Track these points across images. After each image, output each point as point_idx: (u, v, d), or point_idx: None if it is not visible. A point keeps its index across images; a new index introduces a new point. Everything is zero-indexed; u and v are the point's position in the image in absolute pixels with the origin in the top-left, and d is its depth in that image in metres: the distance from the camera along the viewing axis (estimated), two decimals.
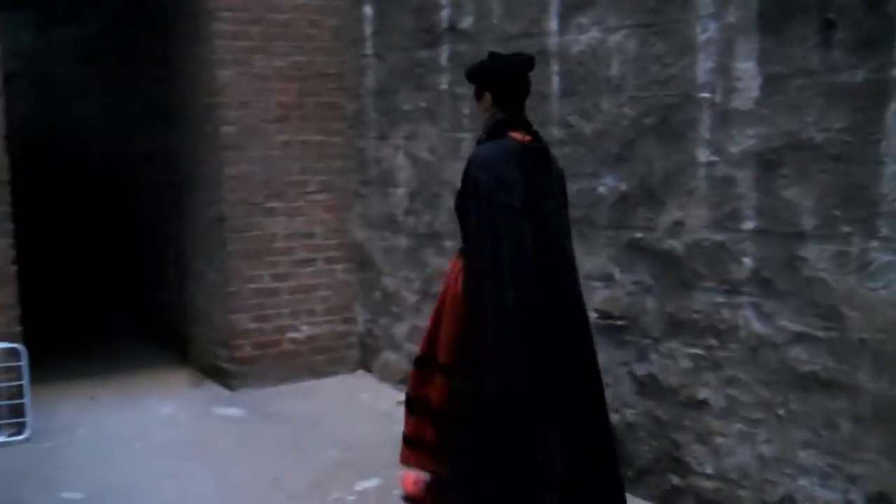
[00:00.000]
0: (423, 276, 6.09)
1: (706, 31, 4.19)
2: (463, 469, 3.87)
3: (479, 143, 4.09)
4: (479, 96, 4.09)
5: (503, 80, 4.02)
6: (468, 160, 3.95)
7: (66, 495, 4.82)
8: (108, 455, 5.35)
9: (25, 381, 5.60)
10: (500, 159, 3.88)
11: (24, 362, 5.58)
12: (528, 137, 4.01)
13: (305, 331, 6.64)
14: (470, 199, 3.87)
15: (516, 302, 3.77)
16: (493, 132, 4.01)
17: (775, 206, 3.97)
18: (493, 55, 4.25)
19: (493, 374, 3.78)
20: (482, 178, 3.83)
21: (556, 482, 3.81)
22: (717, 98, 4.16)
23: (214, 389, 6.56)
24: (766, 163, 3.99)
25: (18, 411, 5.61)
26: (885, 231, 3.60)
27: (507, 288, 3.77)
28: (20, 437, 5.55)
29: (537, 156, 3.99)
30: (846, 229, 3.73)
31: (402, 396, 6.24)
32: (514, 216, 3.79)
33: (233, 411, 6.01)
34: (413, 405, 4.57)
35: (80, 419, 5.92)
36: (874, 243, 3.65)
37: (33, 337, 5.78)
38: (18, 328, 5.68)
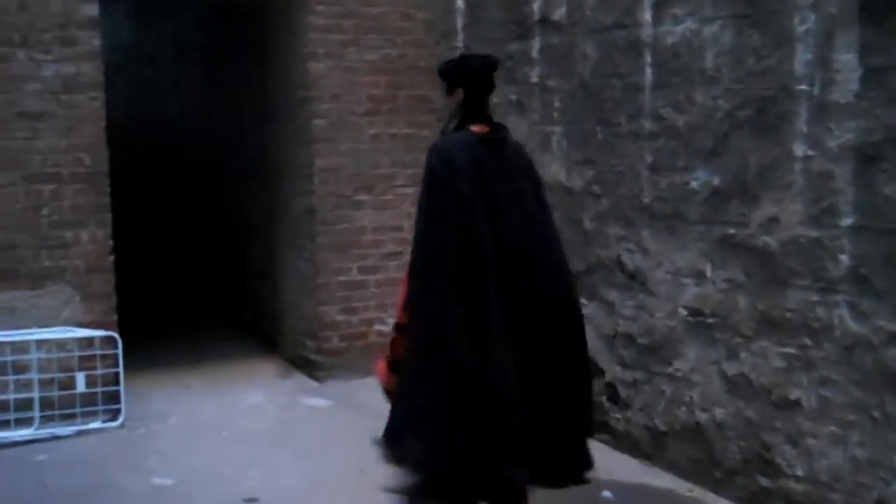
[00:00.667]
0: None
1: (805, 23, 4.08)
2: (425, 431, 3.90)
3: (442, 133, 4.22)
4: (451, 92, 4.16)
5: (475, 79, 4.15)
6: (428, 150, 4.07)
7: (156, 481, 4.90)
8: (198, 442, 5.43)
9: (121, 369, 5.72)
10: (455, 149, 3.97)
11: (119, 350, 5.70)
12: (486, 129, 4.09)
13: (392, 323, 6.63)
14: (424, 186, 3.97)
15: (463, 285, 3.85)
16: (458, 126, 4.13)
17: (874, 201, 3.85)
18: (463, 56, 4.67)
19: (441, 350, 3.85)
20: (437, 166, 3.93)
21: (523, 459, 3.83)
22: (816, 91, 4.05)
23: (302, 380, 6.62)
24: (866, 157, 3.87)
25: (113, 398, 5.73)
26: None
27: (455, 273, 3.86)
28: (115, 424, 5.68)
29: (492, 145, 4.06)
30: None
31: None
32: (466, 202, 3.88)
33: (320, 402, 6.05)
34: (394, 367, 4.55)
35: (171, 407, 6.03)
36: None
37: (128, 326, 5.91)
38: (114, 317, 5.82)
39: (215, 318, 8.40)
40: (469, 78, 4.17)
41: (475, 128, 4.09)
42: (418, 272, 3.98)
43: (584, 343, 4.12)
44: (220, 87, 8.18)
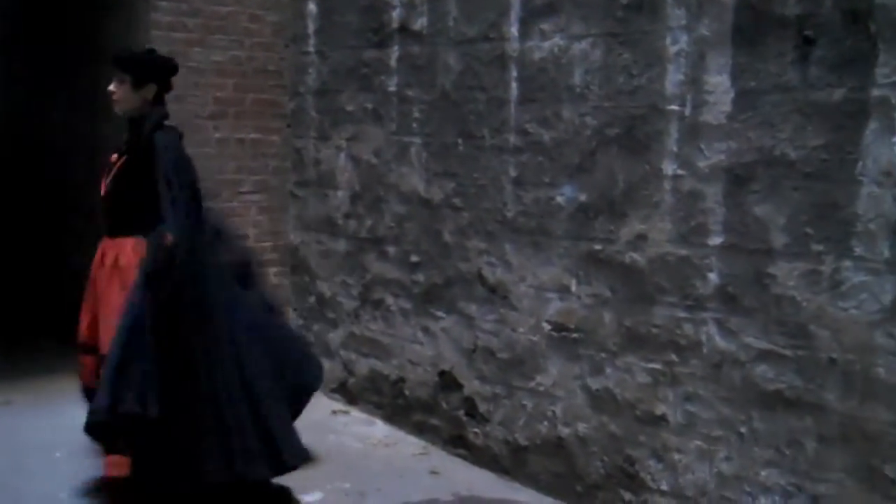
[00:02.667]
0: (362, 281, 5.93)
1: (677, 43, 4.14)
2: None
3: (154, 129, 4.30)
4: (139, 85, 4.31)
5: (169, 77, 4.46)
6: (162, 146, 4.22)
7: None
8: (27, 465, 5.07)
9: None
10: (182, 146, 4.36)
11: None
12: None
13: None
14: (172, 179, 4.15)
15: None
16: (162, 122, 4.36)
17: (744, 222, 3.94)
18: (151, 50, 4.72)
19: None
20: (183, 163, 4.26)
21: None
22: (687, 111, 4.12)
23: None
24: (736, 178, 3.96)
25: None
26: (859, 251, 3.59)
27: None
28: None
29: None
30: (818, 248, 3.71)
31: (335, 405, 6.15)
32: (197, 195, 4.30)
33: None
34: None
35: None
36: (847, 262, 3.63)
37: None
38: None
39: (50, 329, 7.90)
40: (166, 75, 4.47)
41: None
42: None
43: None
44: (53, 85, 7.72)
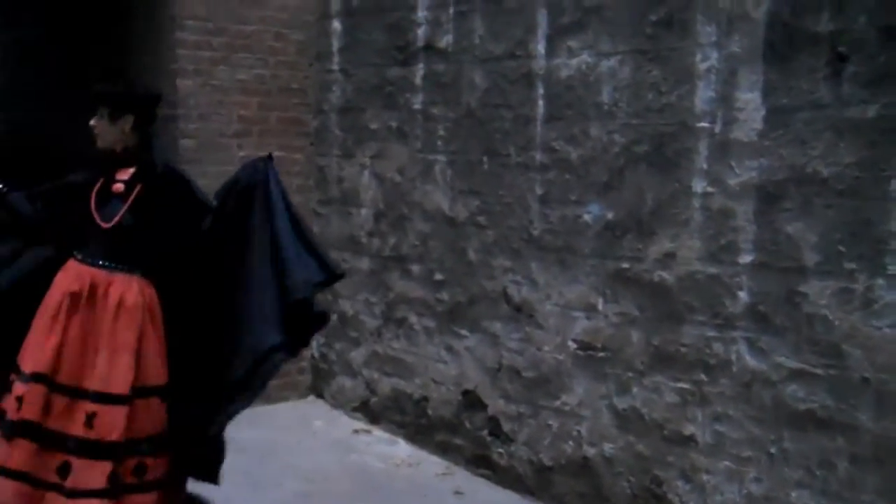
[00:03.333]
0: (385, 299, 5.91)
1: (707, 60, 4.13)
2: None
3: (151, 163, 4.14)
4: (114, 117, 4.08)
5: (148, 107, 4.24)
6: (187, 179, 4.20)
7: None
8: None
9: None
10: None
11: None
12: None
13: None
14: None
15: None
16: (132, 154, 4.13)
17: (775, 240, 3.91)
18: (131, 82, 4.55)
19: None
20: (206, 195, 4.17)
21: None
22: (717, 128, 4.10)
23: None
24: (767, 196, 3.93)
25: None
26: (892, 269, 3.56)
27: None
28: None
29: None
30: (851, 266, 3.68)
31: (357, 424, 6.12)
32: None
33: None
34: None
35: None
36: (880, 281, 3.60)
37: None
38: None
39: None
40: (149, 106, 4.23)
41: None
42: None
43: None
44: (78, 103, 7.73)
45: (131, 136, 4.10)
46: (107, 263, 3.99)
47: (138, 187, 4.08)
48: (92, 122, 4.13)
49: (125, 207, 4.02)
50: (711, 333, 4.15)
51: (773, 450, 3.95)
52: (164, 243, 4.04)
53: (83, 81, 7.53)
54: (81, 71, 7.62)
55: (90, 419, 3.76)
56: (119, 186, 4.08)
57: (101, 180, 4.09)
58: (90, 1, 7.27)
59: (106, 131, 4.11)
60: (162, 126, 6.00)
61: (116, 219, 4.02)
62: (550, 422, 4.88)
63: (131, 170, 4.13)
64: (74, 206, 4.06)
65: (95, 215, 4.01)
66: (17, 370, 3.89)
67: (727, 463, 4.12)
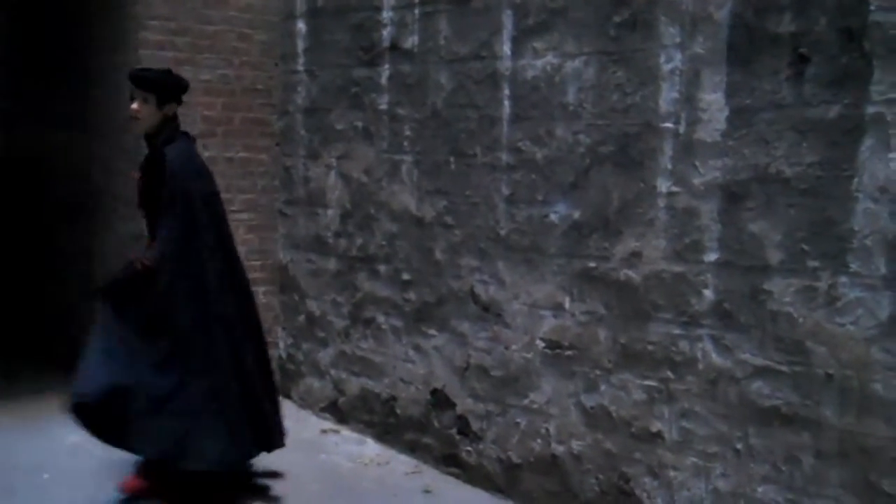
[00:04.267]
0: (353, 300, 5.92)
1: (671, 61, 4.17)
2: None
3: (164, 143, 4.64)
4: (162, 103, 4.64)
5: (182, 95, 4.79)
6: (170, 159, 4.56)
7: None
8: (16, 487, 5.01)
9: None
10: (195, 157, 4.80)
11: None
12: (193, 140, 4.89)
13: None
14: (177, 193, 4.55)
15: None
16: (174, 135, 4.71)
17: (740, 238, 3.96)
18: (169, 71, 4.89)
19: None
20: (186, 174, 4.61)
21: None
22: (681, 129, 4.14)
23: None
24: (731, 195, 3.98)
25: None
26: (854, 267, 3.61)
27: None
28: None
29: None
30: (814, 264, 3.73)
31: (325, 425, 6.12)
32: (214, 203, 4.80)
33: None
34: None
35: None
36: (843, 279, 3.65)
37: None
38: None
39: (33, 348, 7.83)
40: (180, 94, 4.78)
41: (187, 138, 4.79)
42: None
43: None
44: (36, 102, 7.67)
45: (168, 122, 4.68)
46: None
47: (140, 176, 4.72)
48: (134, 106, 4.64)
49: (139, 195, 4.75)
50: (677, 331, 4.20)
51: (738, 446, 4.01)
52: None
53: (44, 82, 7.50)
54: (41, 72, 7.57)
55: None
56: (136, 174, 4.78)
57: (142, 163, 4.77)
58: (51, 2, 7.22)
59: (151, 116, 4.65)
60: (125, 126, 6.00)
61: (138, 202, 4.77)
62: (519, 420, 4.91)
63: (149, 154, 4.72)
64: None
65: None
66: None
67: (694, 459, 4.17)
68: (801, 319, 3.78)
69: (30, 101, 7.87)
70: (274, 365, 6.53)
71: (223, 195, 6.21)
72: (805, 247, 3.75)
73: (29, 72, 7.89)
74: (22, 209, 8.09)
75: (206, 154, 6.10)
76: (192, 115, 6.14)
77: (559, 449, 4.72)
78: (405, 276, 5.52)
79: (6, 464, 5.33)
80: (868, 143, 3.55)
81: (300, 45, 6.25)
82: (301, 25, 6.24)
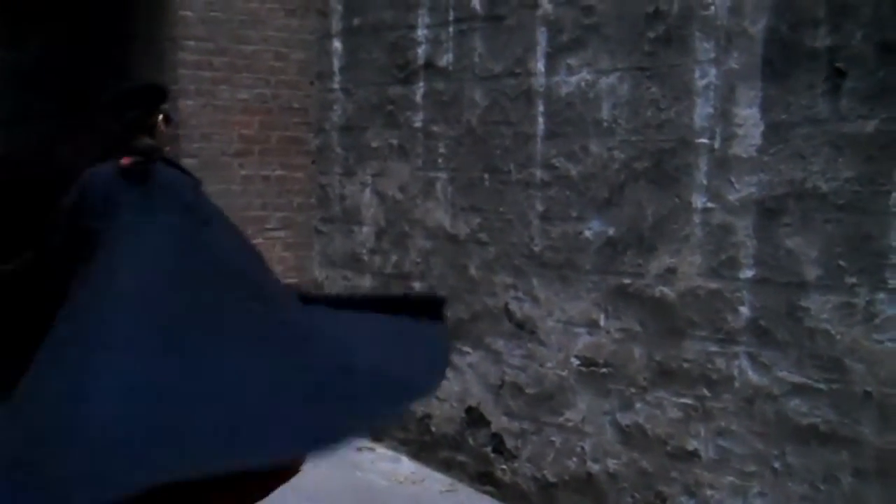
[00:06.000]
0: None
1: (706, 77, 4.15)
2: None
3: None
4: (168, 121, 4.22)
5: None
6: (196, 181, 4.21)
7: None
8: None
9: None
10: None
11: None
12: None
13: None
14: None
15: None
16: None
17: (776, 255, 3.92)
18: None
19: None
20: None
21: None
22: (716, 144, 4.11)
23: None
24: (767, 211, 3.94)
25: None
26: (893, 283, 3.57)
27: None
28: None
29: None
30: (852, 280, 3.69)
31: (360, 442, 6.10)
32: None
33: None
34: None
35: None
36: (881, 295, 3.61)
37: None
38: None
39: None
40: None
41: None
42: None
43: None
44: (77, 124, 7.76)
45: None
46: None
47: None
48: (163, 128, 4.22)
49: None
50: (713, 349, 4.16)
51: (776, 464, 3.96)
52: None
53: (83, 104, 7.59)
54: (81, 94, 7.66)
55: None
56: None
57: None
58: (90, 23, 7.32)
59: (160, 136, 4.23)
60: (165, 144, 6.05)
61: None
62: (554, 438, 4.88)
63: None
64: None
65: None
66: None
67: (731, 478, 4.12)
68: (838, 336, 3.73)
69: (68, 124, 7.97)
70: None
71: (260, 213, 6.31)
72: (842, 263, 3.71)
73: (66, 94, 7.99)
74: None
75: (242, 172, 6.20)
76: (230, 133, 6.21)
77: (595, 467, 4.69)
78: (439, 293, 5.52)
79: None
80: None
81: (336, 63, 6.29)
82: (337, 44, 6.27)
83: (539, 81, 4.89)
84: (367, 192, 6.06)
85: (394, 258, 5.87)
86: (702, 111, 4.17)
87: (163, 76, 6.19)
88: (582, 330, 4.72)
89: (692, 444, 4.27)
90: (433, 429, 5.63)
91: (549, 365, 4.90)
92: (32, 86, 8.47)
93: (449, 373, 5.38)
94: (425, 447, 5.69)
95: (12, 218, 4.34)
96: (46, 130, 8.22)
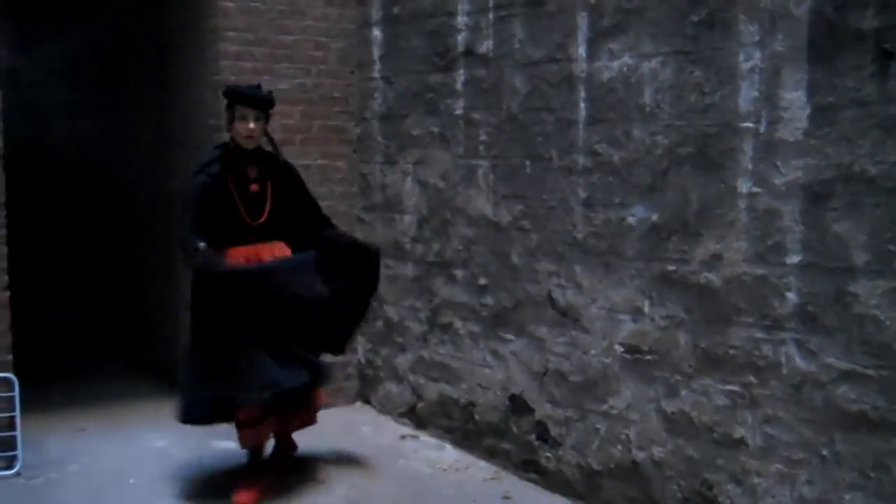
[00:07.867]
0: (430, 305, 5.92)
1: (750, 60, 4.09)
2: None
3: (277, 161, 5.20)
4: (267, 120, 5.10)
5: None
6: (298, 174, 5.37)
7: None
8: (103, 491, 5.10)
9: (17, 413, 5.33)
10: None
11: (16, 393, 5.31)
12: None
13: None
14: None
15: None
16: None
17: (823, 240, 3.86)
18: (259, 86, 5.21)
19: None
20: None
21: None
22: (762, 128, 4.06)
23: None
24: (814, 195, 3.88)
25: (9, 444, 5.32)
26: None
27: None
28: (10, 472, 5.28)
29: None
30: None
31: (404, 430, 6.13)
32: None
33: (232, 444, 5.75)
34: None
35: (70, 453, 5.66)
36: None
37: (22, 366, 5.49)
38: (10, 357, 5.39)
39: (115, 356, 8.00)
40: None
41: None
42: None
43: None
44: (122, 116, 7.83)
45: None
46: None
47: (269, 185, 5.05)
48: (252, 126, 4.94)
49: (268, 206, 5.03)
50: (760, 335, 4.11)
51: (824, 452, 3.91)
52: (293, 223, 5.15)
53: (128, 95, 7.66)
54: (125, 85, 7.72)
55: None
56: (255, 187, 5.00)
57: (231, 178, 4.93)
58: (133, 16, 7.36)
59: (262, 134, 5.04)
60: (207, 135, 6.09)
61: (264, 217, 5.01)
62: (598, 426, 4.86)
63: (257, 167, 5.04)
64: (221, 210, 4.89)
65: (245, 216, 4.94)
66: None
67: (778, 466, 4.08)
68: (888, 322, 3.67)
69: (109, 115, 8.05)
70: (353, 370, 6.60)
71: None
72: (891, 247, 3.64)
73: (108, 86, 8.06)
74: (102, 218, 8.27)
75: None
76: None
77: (640, 455, 4.66)
78: (482, 281, 5.50)
79: (93, 468, 5.44)
80: None
81: (376, 52, 6.28)
82: (377, 33, 6.27)
83: (580, 67, 4.85)
84: (409, 180, 6.05)
85: (436, 246, 5.86)
86: (746, 95, 4.11)
87: (203, 67, 6.23)
88: (626, 317, 4.69)
89: (739, 432, 4.22)
90: (477, 417, 5.62)
91: (592, 352, 4.87)
92: (79, 80, 8.54)
93: (492, 360, 5.40)
94: (469, 435, 5.69)
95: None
96: (96, 124, 8.27)
